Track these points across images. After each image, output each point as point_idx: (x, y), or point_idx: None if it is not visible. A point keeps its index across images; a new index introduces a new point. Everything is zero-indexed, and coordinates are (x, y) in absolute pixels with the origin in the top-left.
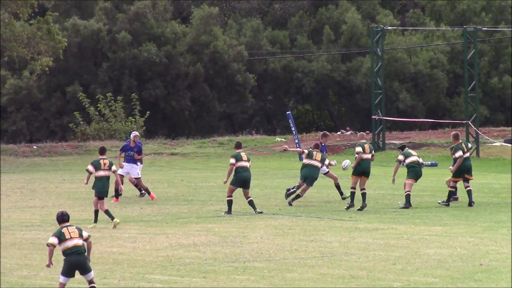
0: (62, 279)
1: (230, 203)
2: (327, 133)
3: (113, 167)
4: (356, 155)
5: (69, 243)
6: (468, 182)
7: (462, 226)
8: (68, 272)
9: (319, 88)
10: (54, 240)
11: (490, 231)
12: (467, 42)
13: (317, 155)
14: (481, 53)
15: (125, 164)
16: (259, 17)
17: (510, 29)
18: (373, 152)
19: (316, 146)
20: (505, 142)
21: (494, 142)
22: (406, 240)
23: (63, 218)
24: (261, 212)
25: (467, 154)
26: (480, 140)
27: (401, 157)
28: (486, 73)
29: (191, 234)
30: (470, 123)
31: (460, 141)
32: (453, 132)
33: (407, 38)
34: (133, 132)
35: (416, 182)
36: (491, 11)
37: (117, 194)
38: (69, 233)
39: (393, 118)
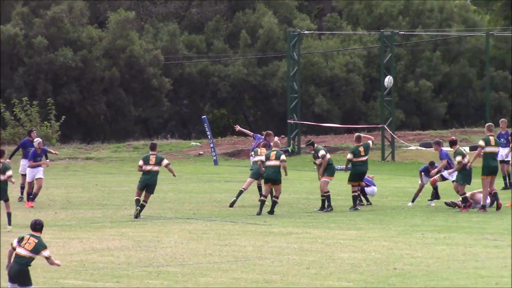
0: (9, 285)
1: (136, 201)
2: (270, 132)
3: (8, 172)
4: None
5: (17, 250)
6: (357, 187)
7: (377, 230)
8: (9, 277)
9: (235, 93)
10: (13, 241)
11: (404, 235)
12: (383, 46)
13: (262, 150)
14: (397, 57)
15: (30, 169)
16: (175, 22)
17: (427, 33)
18: (281, 157)
19: (264, 146)
20: (420, 146)
21: (409, 146)
22: (320, 244)
23: (35, 227)
24: (136, 217)
25: (363, 159)
26: (396, 144)
27: (328, 155)
28: (403, 77)
29: (105, 238)
30: (385, 127)
31: (361, 143)
32: (356, 134)
33: (324, 42)
34: (36, 140)
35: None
36: (408, 15)
37: (29, 197)
38: (26, 242)
39: (308, 122)
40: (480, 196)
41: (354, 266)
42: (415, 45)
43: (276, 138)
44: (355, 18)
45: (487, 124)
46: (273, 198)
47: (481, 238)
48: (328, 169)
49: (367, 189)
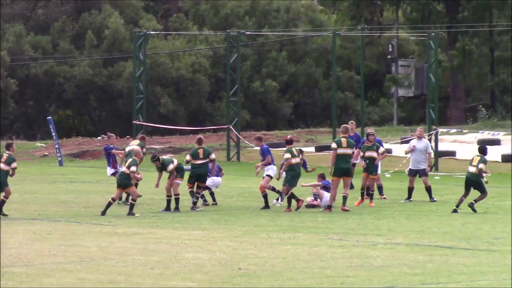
0: None
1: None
2: (111, 134)
3: None
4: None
5: None
6: (200, 189)
7: (222, 230)
8: None
9: (80, 93)
10: None
11: (249, 235)
12: (230, 46)
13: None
14: (243, 57)
15: None
16: (21, 23)
17: (273, 33)
18: (131, 168)
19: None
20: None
21: (255, 147)
22: (165, 245)
23: None
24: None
25: (200, 162)
26: (241, 144)
27: (175, 161)
28: (249, 77)
29: None
30: (231, 127)
31: (202, 146)
32: (198, 136)
33: (170, 42)
34: None
35: None
36: (254, 15)
37: None
38: None
39: (153, 124)
40: (325, 194)
41: (199, 266)
42: (261, 45)
43: (137, 147)
44: (202, 18)
45: (342, 126)
46: (130, 201)
47: (327, 238)
48: (178, 172)
49: (208, 183)
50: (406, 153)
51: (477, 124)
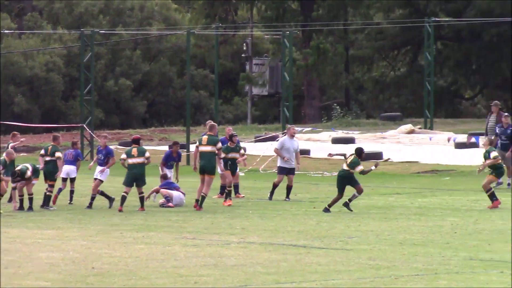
0: None
1: None
2: (16, 133)
3: None
4: None
5: None
6: (52, 187)
7: (76, 229)
8: None
9: None
10: None
11: (103, 234)
12: (84, 45)
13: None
14: (98, 56)
15: None
16: None
17: (127, 32)
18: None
19: None
20: (120, 145)
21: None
22: (18, 244)
23: None
24: None
25: (48, 158)
26: (95, 143)
27: (30, 168)
28: (103, 76)
29: None
30: (85, 126)
31: (54, 143)
32: (53, 134)
33: (24, 41)
34: None
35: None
36: (109, 13)
37: None
38: None
39: (8, 122)
40: (174, 193)
41: (52, 266)
42: (115, 44)
43: (10, 149)
44: (56, 17)
45: (209, 124)
46: None
47: (180, 237)
48: (33, 173)
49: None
50: (276, 153)
51: (332, 122)
